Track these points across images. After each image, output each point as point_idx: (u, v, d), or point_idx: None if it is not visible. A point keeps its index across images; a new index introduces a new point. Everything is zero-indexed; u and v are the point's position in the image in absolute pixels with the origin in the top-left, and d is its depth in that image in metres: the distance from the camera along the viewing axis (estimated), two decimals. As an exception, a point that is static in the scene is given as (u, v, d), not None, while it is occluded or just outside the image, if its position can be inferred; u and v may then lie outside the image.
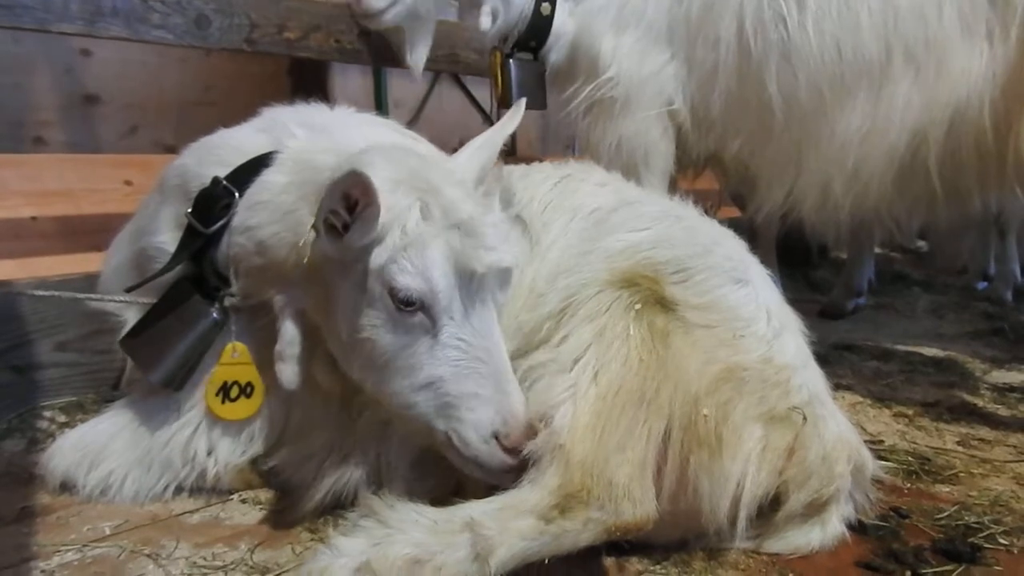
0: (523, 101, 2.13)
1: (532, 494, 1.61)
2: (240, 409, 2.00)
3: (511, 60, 3.02)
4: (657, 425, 1.68)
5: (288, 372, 1.85)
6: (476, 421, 1.69)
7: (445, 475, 1.92)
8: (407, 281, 1.66)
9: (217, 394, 1.98)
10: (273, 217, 1.85)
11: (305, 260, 1.72)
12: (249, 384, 2.00)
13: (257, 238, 1.87)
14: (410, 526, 1.57)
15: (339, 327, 1.77)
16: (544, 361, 1.79)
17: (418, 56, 3.07)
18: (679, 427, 1.70)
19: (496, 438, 1.68)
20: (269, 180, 1.91)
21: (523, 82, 3.02)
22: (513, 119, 2.06)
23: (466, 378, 1.70)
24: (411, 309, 1.68)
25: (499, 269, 1.76)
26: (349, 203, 1.62)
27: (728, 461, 1.71)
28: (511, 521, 1.56)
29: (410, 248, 1.66)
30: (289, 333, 1.86)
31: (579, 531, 1.59)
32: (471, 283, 1.72)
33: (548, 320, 1.88)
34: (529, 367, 1.81)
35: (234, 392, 1.99)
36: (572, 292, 1.87)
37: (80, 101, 4.37)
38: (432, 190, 1.71)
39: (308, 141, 1.99)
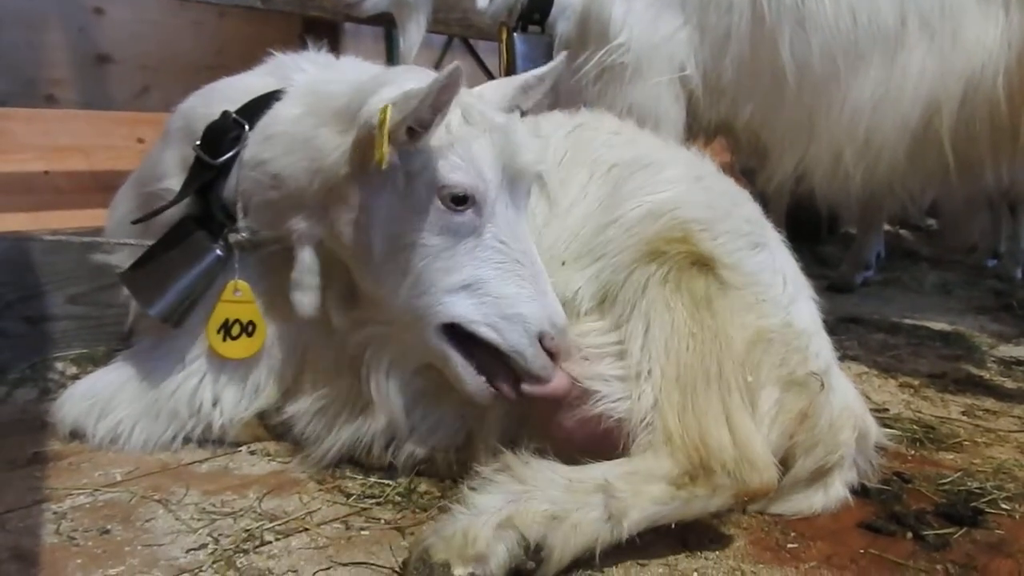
0: (563, 55, 2.10)
1: (662, 462, 1.62)
2: (241, 347, 1.99)
3: (516, 34, 3.01)
4: (736, 398, 1.70)
5: (306, 300, 1.86)
6: (523, 317, 1.72)
7: (455, 427, 1.94)
8: (458, 177, 1.70)
9: (218, 331, 1.97)
10: (289, 147, 1.85)
11: (384, 166, 1.66)
12: (251, 323, 1.99)
13: (272, 170, 1.87)
14: (546, 483, 1.57)
15: (373, 240, 1.77)
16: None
17: (411, 41, 3.04)
18: (739, 395, 1.71)
19: (540, 340, 1.71)
20: (282, 113, 1.91)
21: (529, 56, 3.01)
22: (543, 68, 2.04)
23: (508, 280, 1.74)
24: (462, 208, 1.71)
25: (535, 171, 1.82)
26: (437, 103, 1.63)
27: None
28: (643, 485, 1.58)
29: (457, 145, 1.71)
30: (306, 260, 1.86)
31: (708, 496, 1.61)
32: (510, 185, 1.77)
33: (577, 299, 1.88)
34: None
35: (235, 330, 1.98)
36: (604, 282, 1.86)
37: (92, 60, 4.37)
38: (465, 102, 1.75)
39: (317, 75, 2.00)
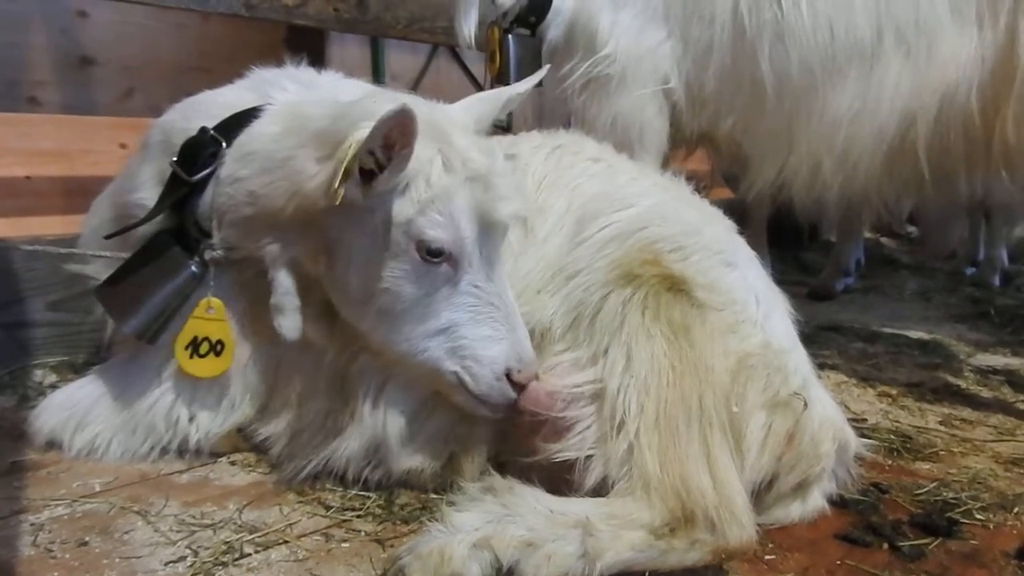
0: (545, 68, 2.14)
1: (643, 510, 1.61)
2: (206, 367, 1.97)
3: (510, 36, 3.01)
4: (718, 436, 1.70)
5: (289, 323, 1.86)
6: (491, 359, 1.78)
7: (438, 448, 1.93)
8: (437, 233, 1.72)
9: (186, 348, 1.95)
10: (266, 167, 1.84)
11: (337, 202, 1.66)
12: (220, 342, 1.97)
13: (248, 188, 1.86)
14: (527, 510, 1.58)
15: (350, 279, 1.79)
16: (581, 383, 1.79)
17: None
18: (720, 431, 1.71)
19: (508, 376, 1.78)
20: (260, 131, 1.90)
21: (522, 58, 3.01)
22: (527, 84, 2.08)
23: (481, 323, 1.79)
24: (438, 260, 1.74)
25: (515, 219, 1.86)
26: (388, 143, 1.63)
27: (737, 454, 1.74)
28: (623, 530, 1.57)
29: (437, 200, 1.72)
30: (284, 283, 1.86)
31: (686, 550, 1.60)
32: (487, 233, 1.79)
33: (553, 325, 1.89)
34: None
35: (203, 348, 1.96)
36: (576, 301, 1.87)
37: (76, 63, 4.34)
38: (446, 139, 1.75)
39: (298, 95, 2.00)
